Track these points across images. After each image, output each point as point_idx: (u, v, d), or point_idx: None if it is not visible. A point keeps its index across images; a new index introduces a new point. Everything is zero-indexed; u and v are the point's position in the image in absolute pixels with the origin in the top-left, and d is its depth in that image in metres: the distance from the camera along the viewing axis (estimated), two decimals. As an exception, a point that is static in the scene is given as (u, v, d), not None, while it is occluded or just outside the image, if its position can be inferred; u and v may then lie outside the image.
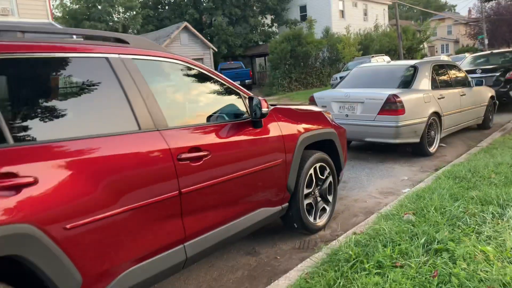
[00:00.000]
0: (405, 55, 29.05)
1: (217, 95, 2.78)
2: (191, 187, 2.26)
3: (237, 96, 2.83)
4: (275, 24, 32.07)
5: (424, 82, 5.89)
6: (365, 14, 33.98)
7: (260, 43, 30.68)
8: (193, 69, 2.57)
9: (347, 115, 5.80)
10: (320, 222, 3.47)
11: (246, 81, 24.81)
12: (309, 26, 25.07)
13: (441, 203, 3.32)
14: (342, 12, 31.44)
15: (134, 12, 28.16)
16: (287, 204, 3.16)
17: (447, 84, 6.43)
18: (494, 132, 7.07)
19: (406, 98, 5.40)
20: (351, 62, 21.40)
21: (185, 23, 21.50)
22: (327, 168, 3.57)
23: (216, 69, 25.01)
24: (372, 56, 21.35)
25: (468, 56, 11.85)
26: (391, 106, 5.32)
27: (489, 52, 11.66)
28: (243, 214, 2.69)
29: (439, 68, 6.43)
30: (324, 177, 3.54)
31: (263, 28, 31.46)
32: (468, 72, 9.90)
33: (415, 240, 2.72)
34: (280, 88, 23.15)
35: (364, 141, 5.85)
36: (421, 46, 34.10)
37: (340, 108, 5.90)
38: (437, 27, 54.07)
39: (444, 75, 6.51)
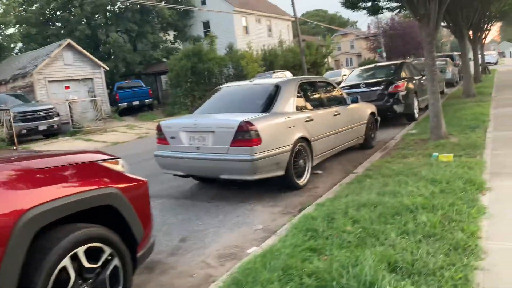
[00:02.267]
0: (309, 70, 29.46)
1: None
2: None
3: None
4: (178, 41, 30.78)
5: (288, 103, 5.01)
6: (270, 30, 34.17)
7: (164, 60, 29.12)
8: None
9: (198, 148, 4.69)
10: (91, 337, 2.23)
11: (146, 100, 22.99)
12: (211, 42, 24.19)
13: (264, 290, 2.28)
14: (246, 28, 31.22)
15: (15, 30, 24.98)
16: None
17: (318, 104, 5.66)
18: (375, 153, 6.48)
19: (263, 124, 4.45)
20: (254, 78, 20.84)
21: (68, 40, 19.16)
22: (107, 249, 2.36)
23: (112, 88, 22.92)
24: (273, 72, 21.02)
25: (354, 70, 11.63)
26: (244, 136, 4.32)
27: (373, 65, 11.54)
28: None
29: (308, 86, 5.64)
30: (99, 264, 2.32)
31: (166, 45, 29.96)
32: (353, 86, 9.55)
33: None
34: (183, 107, 21.83)
35: (220, 179, 4.77)
36: (325, 60, 35.07)
37: (190, 139, 4.78)
38: (341, 42, 57.05)
39: (314, 93, 5.74)
